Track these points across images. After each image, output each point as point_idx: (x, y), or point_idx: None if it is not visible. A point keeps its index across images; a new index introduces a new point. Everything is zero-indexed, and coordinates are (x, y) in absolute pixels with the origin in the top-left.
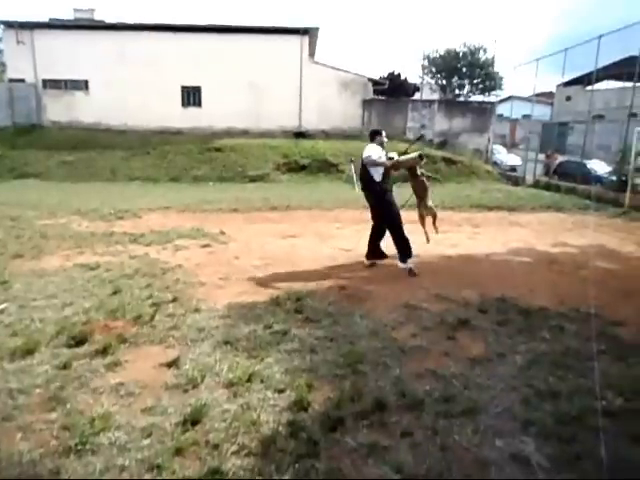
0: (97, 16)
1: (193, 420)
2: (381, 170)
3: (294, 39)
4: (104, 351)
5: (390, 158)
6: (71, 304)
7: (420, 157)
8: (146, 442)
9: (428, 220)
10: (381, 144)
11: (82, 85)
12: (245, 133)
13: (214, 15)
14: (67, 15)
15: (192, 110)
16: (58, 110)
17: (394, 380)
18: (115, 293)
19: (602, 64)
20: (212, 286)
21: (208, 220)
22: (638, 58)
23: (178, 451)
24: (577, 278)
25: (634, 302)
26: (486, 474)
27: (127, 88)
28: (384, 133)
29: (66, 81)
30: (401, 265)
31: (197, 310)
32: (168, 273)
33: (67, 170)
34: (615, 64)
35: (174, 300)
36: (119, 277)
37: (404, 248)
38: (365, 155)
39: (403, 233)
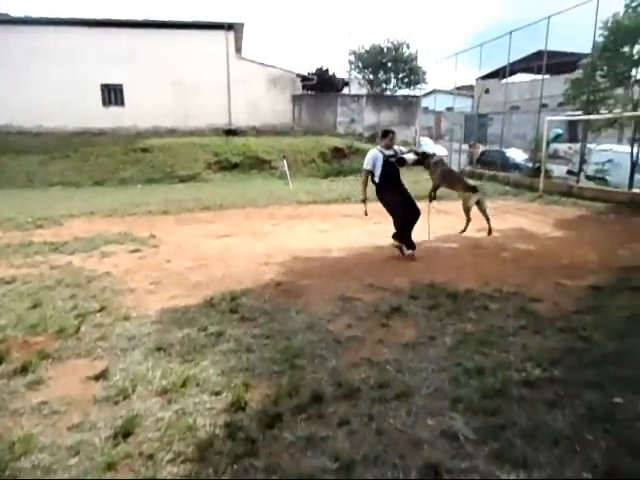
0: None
1: (125, 432)
2: (378, 172)
3: (219, 34)
4: (24, 369)
5: (397, 156)
6: None
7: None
8: (74, 461)
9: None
10: (386, 145)
11: None
12: (173, 132)
13: (135, 10)
14: None
15: (114, 109)
16: None
17: (330, 371)
18: (35, 307)
19: (515, 58)
20: (143, 292)
21: (137, 224)
22: (544, 52)
23: (110, 466)
24: (499, 260)
25: (549, 279)
26: (419, 452)
27: (40, 87)
28: (391, 135)
29: None
30: (395, 242)
31: (127, 318)
32: (94, 282)
33: None
34: (526, 58)
35: (101, 309)
36: (39, 289)
37: (401, 236)
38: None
39: (401, 224)
